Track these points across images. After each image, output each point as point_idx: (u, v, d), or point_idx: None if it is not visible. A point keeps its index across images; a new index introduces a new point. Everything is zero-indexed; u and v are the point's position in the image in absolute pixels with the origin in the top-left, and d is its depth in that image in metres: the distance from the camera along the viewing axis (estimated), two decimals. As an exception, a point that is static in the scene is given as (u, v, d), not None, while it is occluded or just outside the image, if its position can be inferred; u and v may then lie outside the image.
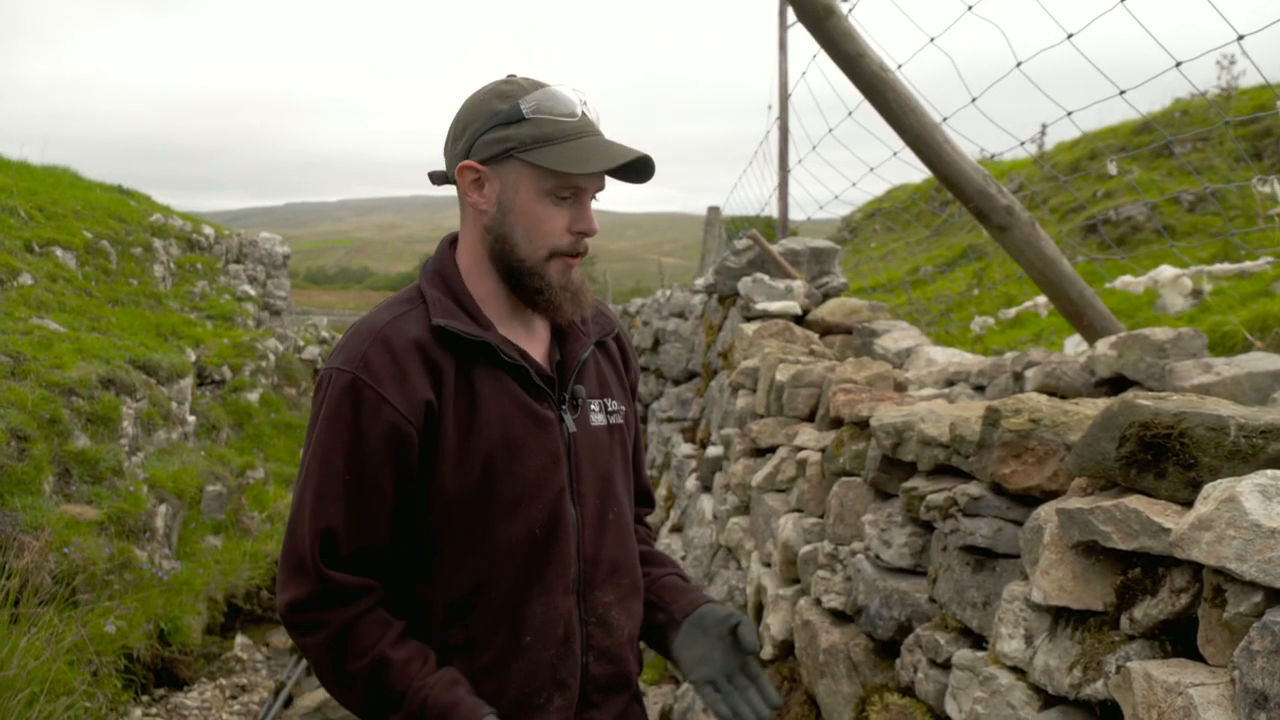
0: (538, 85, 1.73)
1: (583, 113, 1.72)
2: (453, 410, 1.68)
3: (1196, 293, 4.40)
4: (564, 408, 1.79)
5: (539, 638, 1.73)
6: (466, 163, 1.74)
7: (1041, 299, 5.16)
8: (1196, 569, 1.61)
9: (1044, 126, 10.67)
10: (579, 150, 1.67)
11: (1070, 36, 3.17)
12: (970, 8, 3.34)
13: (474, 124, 1.73)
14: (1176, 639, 1.67)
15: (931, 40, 3.70)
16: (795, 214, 7.35)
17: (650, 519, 2.15)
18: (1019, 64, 3.38)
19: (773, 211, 7.61)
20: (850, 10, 3.62)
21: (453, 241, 1.86)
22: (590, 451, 1.82)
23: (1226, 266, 4.23)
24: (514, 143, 1.68)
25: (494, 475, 1.69)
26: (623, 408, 1.93)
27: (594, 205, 1.77)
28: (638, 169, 1.74)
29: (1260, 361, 2.65)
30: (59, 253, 12.62)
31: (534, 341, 1.82)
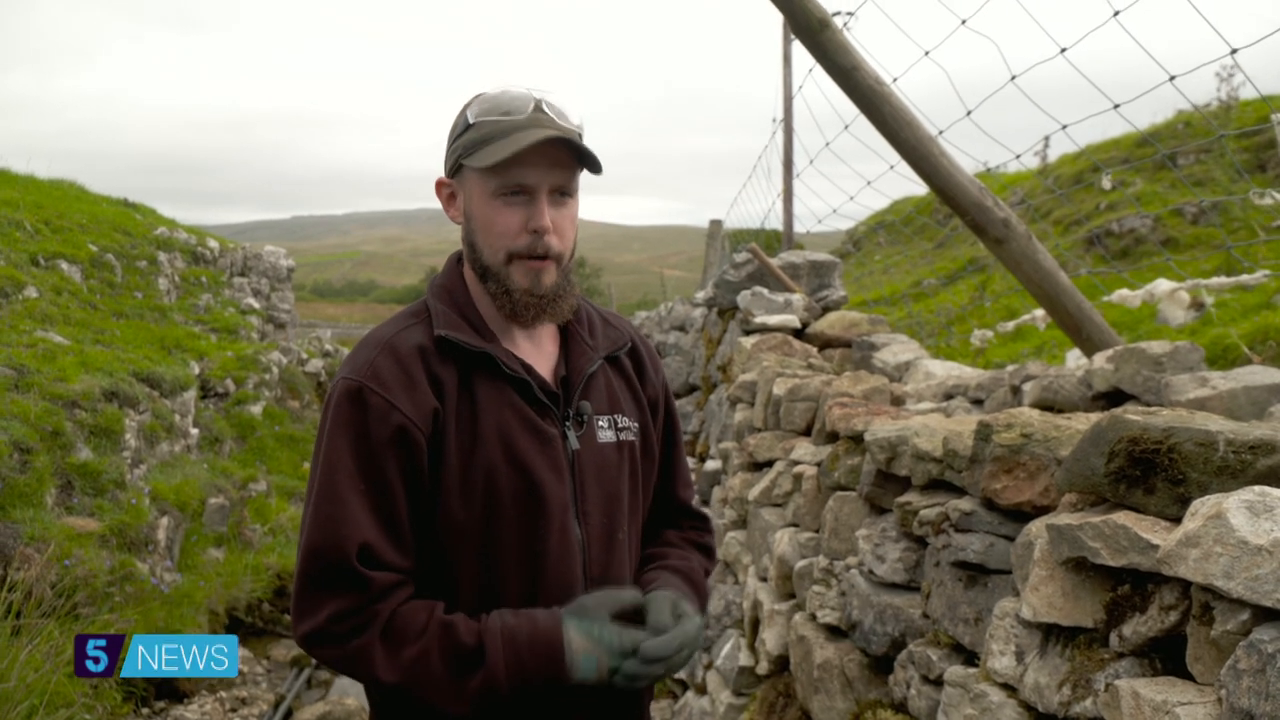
0: (486, 93, 1.73)
1: (535, 109, 1.68)
2: (455, 422, 1.66)
3: (1197, 305, 4.38)
4: (568, 424, 1.76)
5: None
6: (438, 179, 1.79)
7: (1040, 312, 5.15)
8: (1185, 586, 1.59)
9: (1046, 139, 10.67)
10: (507, 144, 1.64)
11: (1063, 51, 3.17)
12: (964, 21, 3.34)
13: (447, 142, 1.78)
14: (1166, 657, 1.66)
15: (926, 54, 3.70)
16: (796, 227, 7.35)
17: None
18: (1013, 77, 3.38)
19: (773, 224, 7.62)
20: (846, 24, 3.62)
21: (460, 258, 1.86)
22: (596, 469, 1.78)
23: (1224, 280, 4.21)
24: (461, 150, 1.71)
25: (497, 491, 1.66)
26: (635, 424, 1.88)
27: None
28: (584, 157, 1.70)
29: (1257, 375, 2.64)
30: (64, 266, 12.66)
31: (540, 356, 1.80)
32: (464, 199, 1.75)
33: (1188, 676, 1.56)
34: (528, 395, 1.72)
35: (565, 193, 1.72)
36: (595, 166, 1.73)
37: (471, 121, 1.69)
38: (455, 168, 1.74)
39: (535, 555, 1.69)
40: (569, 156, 1.69)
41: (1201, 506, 1.53)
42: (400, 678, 1.57)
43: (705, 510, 2.16)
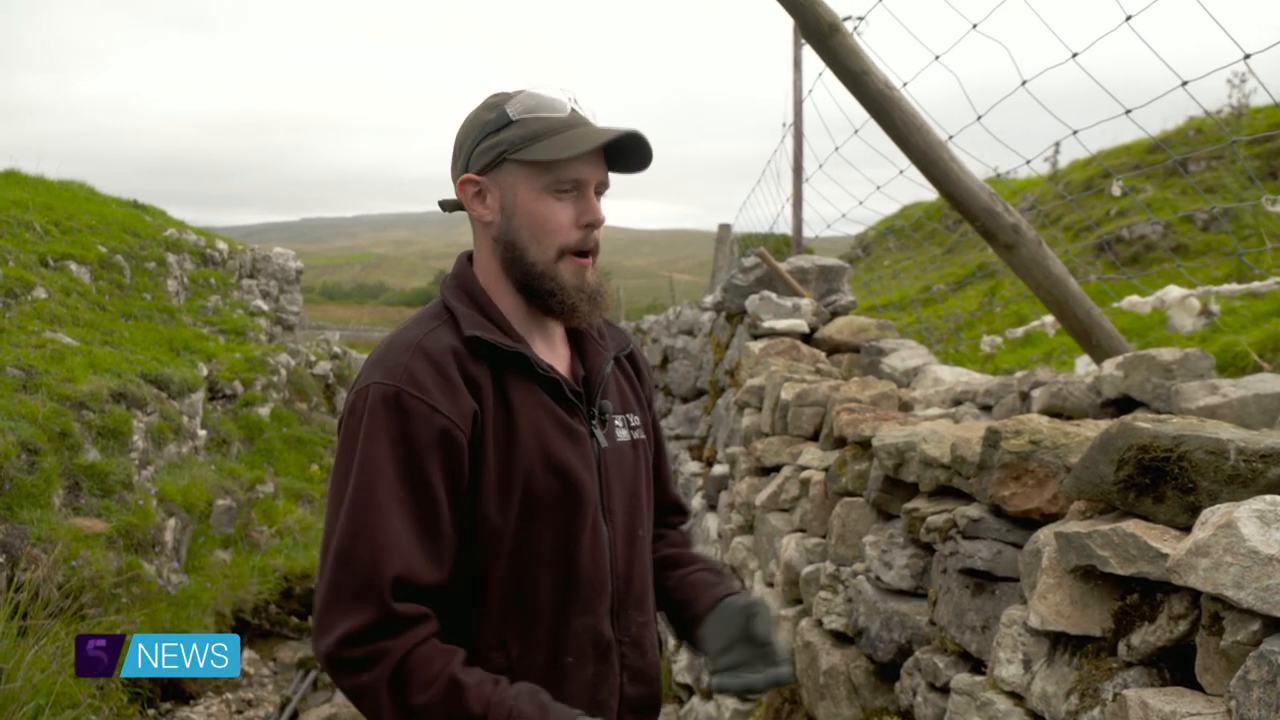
0: (523, 91, 1.72)
1: (572, 109, 1.70)
2: (492, 423, 1.65)
3: (1207, 313, 4.35)
4: (593, 422, 1.77)
5: (579, 658, 1.71)
6: (465, 176, 1.74)
7: (1049, 318, 5.12)
8: (1195, 595, 1.58)
9: (1056, 144, 10.62)
10: (566, 139, 1.65)
11: (1075, 55, 3.15)
12: (975, 25, 3.32)
13: (468, 140, 1.74)
14: (1175, 666, 1.64)
15: (936, 58, 3.68)
16: (805, 232, 7.34)
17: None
18: (1024, 82, 3.36)
19: (782, 228, 7.60)
20: (856, 29, 3.61)
21: (470, 258, 1.84)
22: (618, 467, 1.80)
23: (1235, 287, 4.19)
24: (504, 146, 1.68)
25: (534, 491, 1.65)
26: (641, 422, 1.91)
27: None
28: (635, 153, 1.72)
29: (1267, 383, 2.62)
30: (73, 267, 12.69)
31: (556, 356, 1.81)
32: (502, 195, 1.72)
33: (1196, 687, 1.54)
34: (558, 395, 1.72)
35: (601, 191, 1.75)
36: (647, 164, 1.76)
37: (514, 118, 1.68)
38: (494, 162, 1.70)
39: (569, 554, 1.69)
40: (604, 156, 1.72)
41: (1212, 515, 1.52)
42: None
43: (684, 500, 2.23)
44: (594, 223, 1.71)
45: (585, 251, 1.72)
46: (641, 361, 2.03)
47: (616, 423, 1.83)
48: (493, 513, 1.63)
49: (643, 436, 1.89)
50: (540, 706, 1.52)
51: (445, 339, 1.67)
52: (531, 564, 1.67)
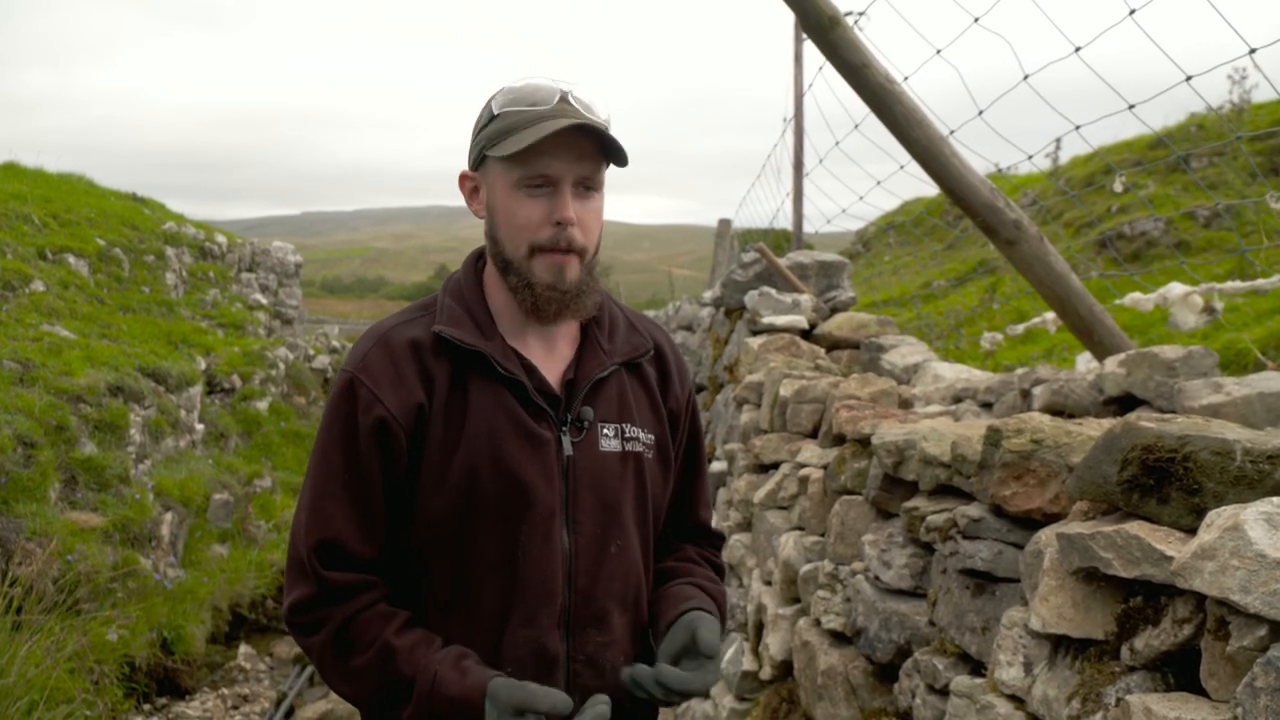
0: (514, 84, 1.69)
1: (561, 100, 1.64)
2: (442, 419, 1.65)
3: (1209, 310, 4.32)
4: (565, 429, 1.71)
5: (519, 670, 1.65)
6: (462, 172, 1.76)
7: (1050, 315, 5.10)
8: (1200, 599, 1.55)
9: (1058, 140, 10.59)
10: (531, 133, 1.60)
11: (1078, 50, 3.12)
12: (977, 19, 3.29)
13: (472, 135, 1.74)
14: (1179, 671, 1.61)
15: (938, 52, 3.65)
16: (805, 227, 7.31)
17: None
18: (1026, 76, 3.33)
19: (782, 224, 7.58)
20: (856, 23, 3.58)
21: (479, 254, 1.83)
22: (593, 477, 1.72)
23: (1238, 284, 4.16)
24: (484, 141, 1.67)
25: (477, 490, 1.63)
26: (650, 436, 1.81)
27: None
28: (611, 148, 1.66)
29: (1272, 382, 2.58)
30: (71, 260, 12.67)
31: (552, 357, 1.75)
32: (487, 191, 1.71)
33: (1201, 692, 1.51)
34: (522, 397, 1.68)
35: (590, 186, 1.68)
36: (621, 158, 1.68)
37: (496, 112, 1.66)
38: (479, 160, 1.70)
39: (513, 560, 1.65)
40: (594, 148, 1.65)
41: (1218, 518, 1.48)
42: (348, 689, 1.65)
43: (721, 529, 2.13)
44: (562, 220, 1.63)
45: (560, 248, 1.66)
46: (670, 366, 1.91)
47: (606, 431, 1.75)
48: (431, 508, 1.65)
49: (640, 449, 1.79)
50: (461, 671, 1.57)
51: (413, 331, 1.70)
52: (475, 565, 1.66)
